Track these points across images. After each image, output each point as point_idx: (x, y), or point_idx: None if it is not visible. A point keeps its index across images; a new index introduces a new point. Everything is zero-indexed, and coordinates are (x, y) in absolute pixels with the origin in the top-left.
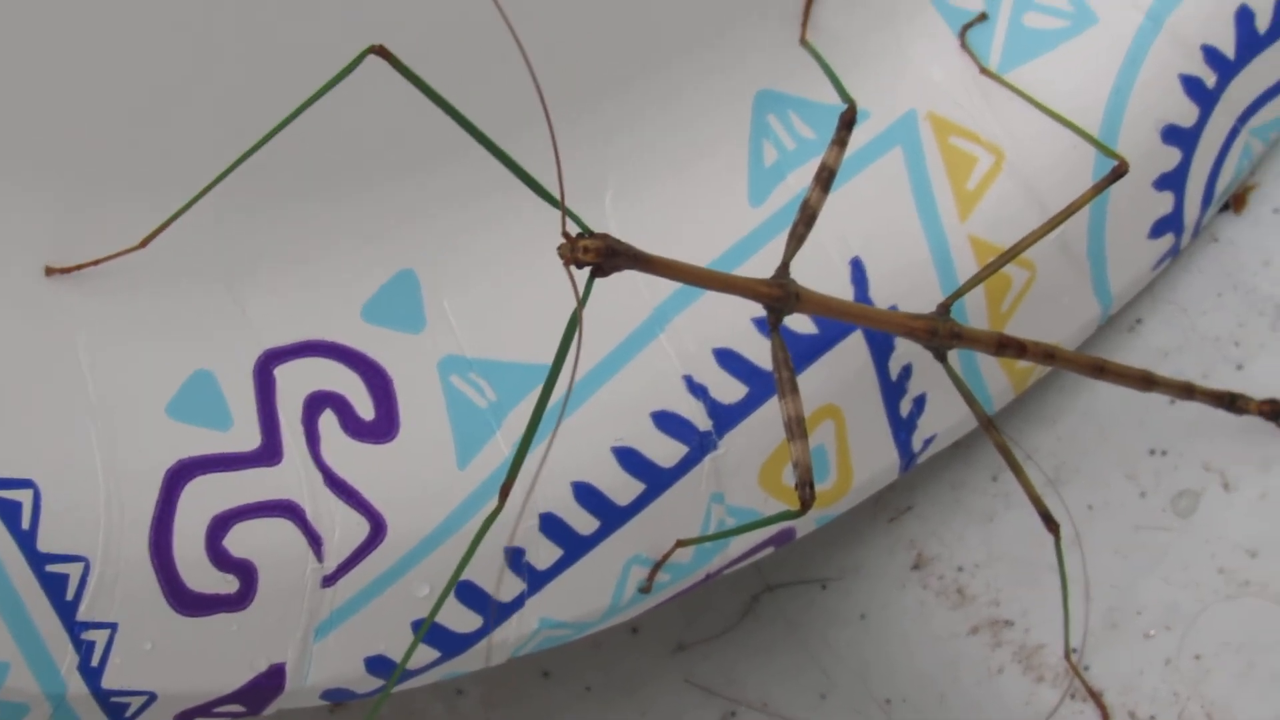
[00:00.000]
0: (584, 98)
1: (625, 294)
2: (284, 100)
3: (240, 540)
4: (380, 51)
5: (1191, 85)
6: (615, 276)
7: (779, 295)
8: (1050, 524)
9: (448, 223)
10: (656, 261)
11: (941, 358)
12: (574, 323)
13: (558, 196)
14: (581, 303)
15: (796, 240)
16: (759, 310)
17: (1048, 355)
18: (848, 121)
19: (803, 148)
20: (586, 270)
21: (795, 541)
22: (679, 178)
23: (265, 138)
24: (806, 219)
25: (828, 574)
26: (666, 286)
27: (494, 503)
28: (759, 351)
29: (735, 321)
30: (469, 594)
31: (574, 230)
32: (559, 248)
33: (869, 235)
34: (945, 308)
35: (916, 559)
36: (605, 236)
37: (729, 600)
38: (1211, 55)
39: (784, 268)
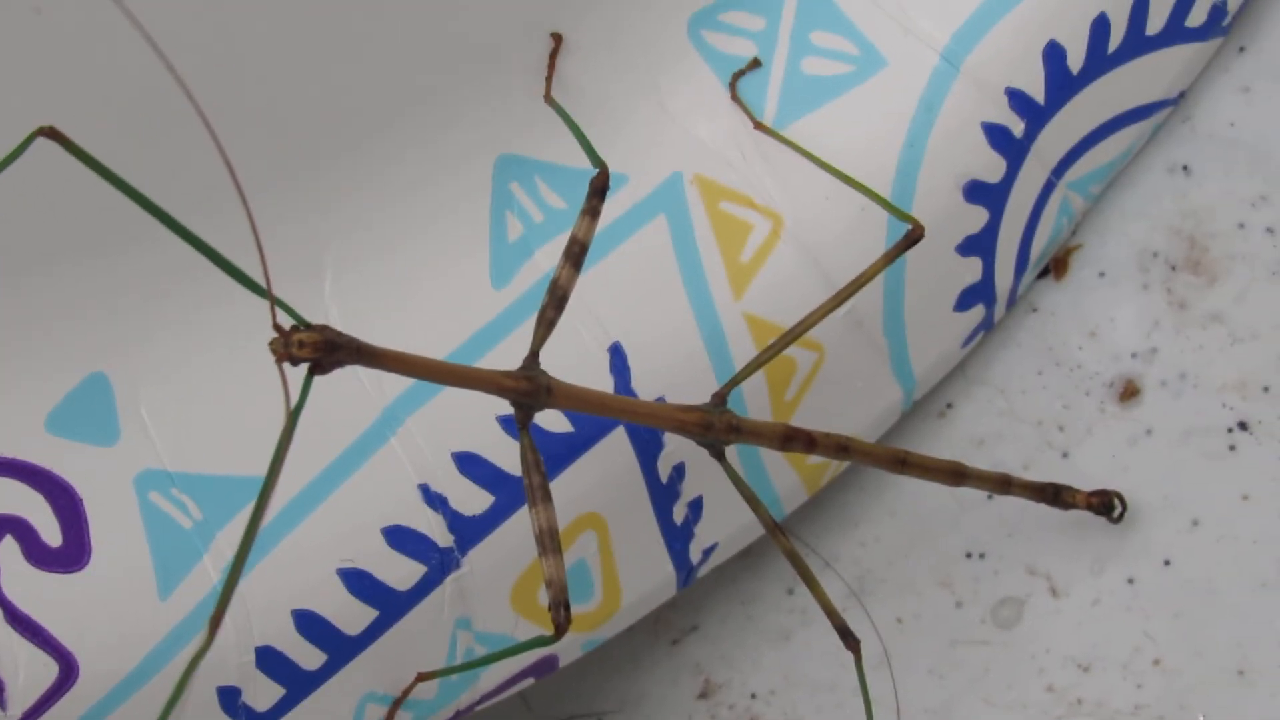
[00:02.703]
0: (293, 163)
1: (350, 393)
2: None
3: None
4: (51, 133)
5: (996, 135)
6: (339, 372)
7: (527, 389)
8: (849, 641)
9: (143, 316)
10: (385, 355)
11: (719, 455)
12: (289, 428)
13: (263, 283)
14: (297, 406)
15: (546, 326)
16: (505, 407)
17: (841, 449)
18: (599, 188)
19: (552, 219)
20: (304, 368)
21: (563, 670)
22: (409, 257)
23: None
24: (556, 301)
25: (604, 706)
26: (397, 383)
27: (202, 637)
28: (506, 454)
29: (478, 421)
30: None
31: (287, 322)
32: (270, 343)
33: (630, 318)
34: (721, 397)
35: (704, 686)
36: (324, 328)
37: None
38: (1018, 100)
39: (533, 357)
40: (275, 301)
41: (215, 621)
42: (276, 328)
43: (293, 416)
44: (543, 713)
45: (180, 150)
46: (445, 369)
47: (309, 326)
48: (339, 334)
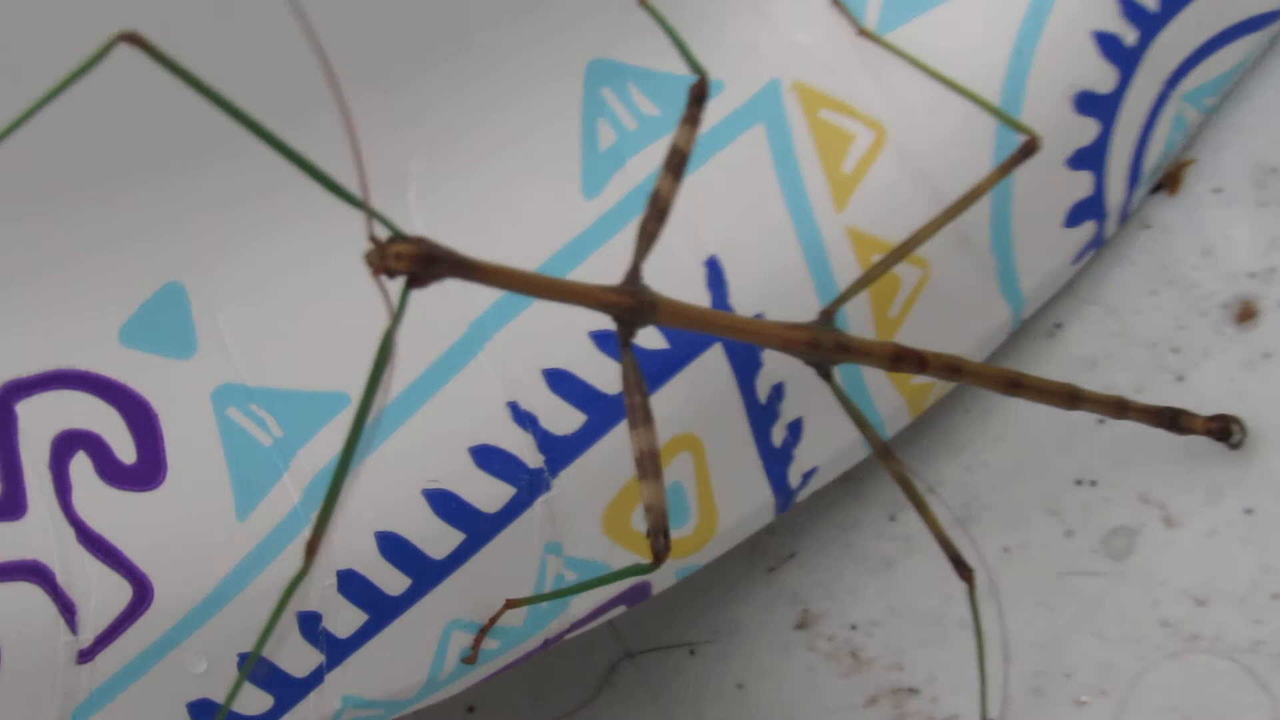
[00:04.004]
0: (378, 74)
1: (436, 307)
2: (16, 95)
3: None
4: (132, 39)
5: (1107, 44)
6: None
7: (631, 305)
8: (963, 570)
9: (223, 226)
10: (485, 269)
11: (826, 375)
12: (388, 343)
13: (359, 194)
14: (396, 319)
15: (648, 239)
16: (596, 322)
17: (953, 369)
18: (699, 95)
19: (645, 127)
20: (399, 281)
21: (654, 598)
22: (497, 167)
23: None
24: (658, 213)
25: (697, 636)
26: (485, 297)
27: (285, 559)
28: (597, 371)
29: (569, 336)
30: (255, 668)
31: (383, 234)
32: (366, 254)
33: (727, 230)
34: (828, 315)
35: (801, 616)
36: (421, 240)
37: (582, 670)
38: (1130, 7)
39: (635, 271)
40: (371, 213)
41: (312, 546)
42: (372, 239)
43: (391, 330)
44: (632, 642)
45: (262, 61)
46: (547, 283)
47: (406, 238)
48: (437, 246)
